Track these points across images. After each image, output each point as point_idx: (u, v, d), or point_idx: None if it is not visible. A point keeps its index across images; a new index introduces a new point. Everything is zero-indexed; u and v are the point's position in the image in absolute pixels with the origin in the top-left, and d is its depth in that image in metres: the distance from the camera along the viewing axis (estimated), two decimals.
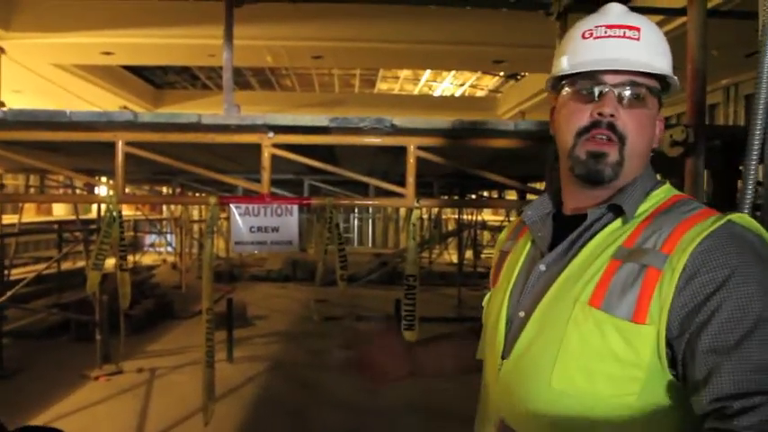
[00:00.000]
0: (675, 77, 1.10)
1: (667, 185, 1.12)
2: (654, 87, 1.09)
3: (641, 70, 1.07)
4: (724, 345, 0.87)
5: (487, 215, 16.51)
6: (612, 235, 1.05)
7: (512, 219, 13.22)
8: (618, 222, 1.06)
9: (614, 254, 1.01)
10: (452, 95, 18.74)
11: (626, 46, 1.08)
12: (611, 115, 1.06)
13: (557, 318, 1.03)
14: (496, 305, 1.21)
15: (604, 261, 1.01)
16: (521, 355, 1.09)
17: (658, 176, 1.15)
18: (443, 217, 18.46)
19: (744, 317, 0.87)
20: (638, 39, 1.08)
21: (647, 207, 1.07)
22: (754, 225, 0.98)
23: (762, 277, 0.89)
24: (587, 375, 0.97)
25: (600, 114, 1.07)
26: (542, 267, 1.12)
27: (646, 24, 1.11)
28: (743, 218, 0.98)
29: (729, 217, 0.97)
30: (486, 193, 11.34)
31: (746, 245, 0.93)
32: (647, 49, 1.09)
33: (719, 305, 0.89)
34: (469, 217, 14.12)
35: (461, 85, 17.79)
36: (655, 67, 1.08)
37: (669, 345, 0.93)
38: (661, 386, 0.94)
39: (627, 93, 1.07)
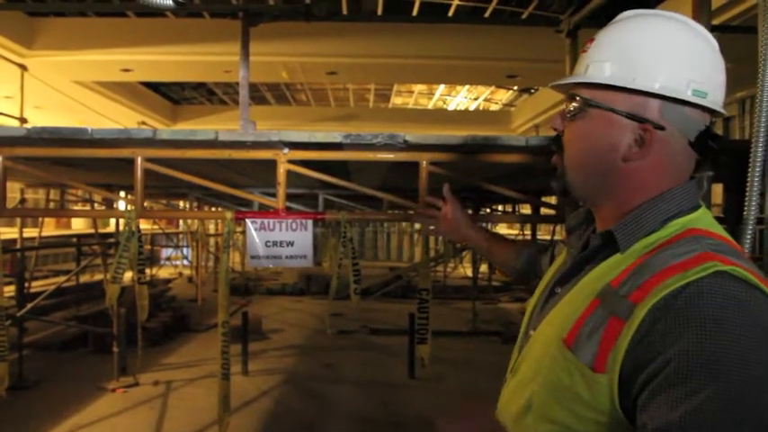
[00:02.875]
0: (619, 80, 1.00)
1: (697, 214, 0.99)
2: (591, 99, 1.03)
3: (560, 83, 1.09)
4: (655, 412, 0.82)
5: (502, 229, 16.46)
6: (611, 268, 0.98)
7: (527, 233, 13.19)
8: (620, 254, 0.99)
9: (599, 292, 0.95)
10: (467, 109, 18.81)
11: (582, 60, 1.08)
12: (556, 129, 1.12)
13: (543, 346, 1.03)
14: (525, 317, 1.21)
15: (589, 298, 0.97)
16: (515, 375, 1.12)
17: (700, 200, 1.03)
18: None
19: (678, 386, 0.80)
20: (586, 51, 1.08)
21: (652, 240, 0.96)
22: (751, 279, 0.84)
23: (715, 347, 0.79)
24: (559, 411, 0.95)
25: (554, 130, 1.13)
26: (557, 289, 1.10)
27: (605, 30, 1.07)
28: (737, 270, 0.84)
29: (718, 268, 0.84)
30: (500, 208, 11.34)
31: (720, 305, 0.81)
32: (591, 58, 1.05)
33: (660, 369, 0.82)
34: None
35: (476, 99, 17.85)
36: (589, 77, 1.04)
37: (621, 398, 0.87)
38: None
39: (569, 107, 1.08)
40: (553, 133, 1.16)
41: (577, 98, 1.06)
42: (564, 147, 1.11)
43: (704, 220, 0.99)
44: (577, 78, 1.06)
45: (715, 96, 1.00)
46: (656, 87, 0.97)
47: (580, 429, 0.93)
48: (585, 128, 1.05)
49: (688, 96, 0.97)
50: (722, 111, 1.02)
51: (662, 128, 0.99)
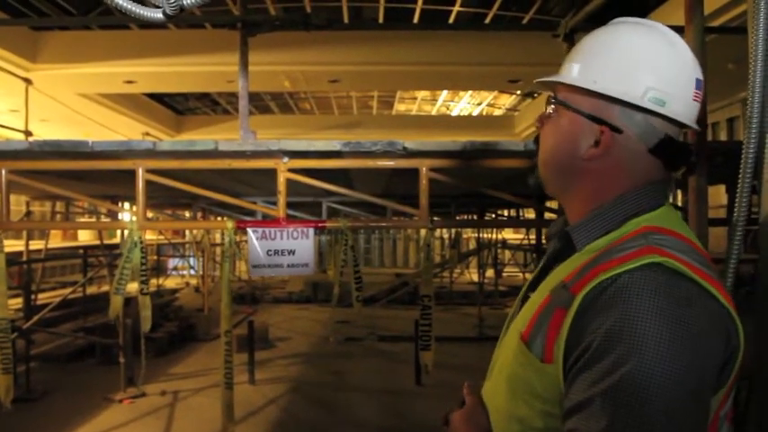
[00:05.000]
0: (578, 80, 1.04)
1: (656, 212, 1.00)
2: (562, 100, 1.08)
3: (537, 81, 1.14)
4: (573, 395, 0.86)
5: (508, 234, 16.42)
6: (568, 266, 1.01)
7: (531, 238, 13.15)
8: (577, 254, 1.01)
9: (553, 288, 0.98)
10: (470, 115, 18.81)
11: (563, 62, 1.12)
12: (538, 127, 1.15)
13: (508, 344, 1.06)
14: (504, 326, 1.22)
15: (545, 293, 0.99)
16: (489, 378, 1.14)
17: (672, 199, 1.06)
18: (464, 236, 18.39)
19: (593, 369, 0.84)
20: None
21: (608, 239, 0.98)
22: (680, 269, 0.87)
23: (632, 332, 0.82)
24: (518, 406, 0.97)
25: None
26: (530, 294, 1.11)
27: (588, 35, 1.10)
28: (668, 261, 0.87)
29: (652, 260, 0.87)
30: (505, 213, 11.34)
31: (644, 293, 0.84)
32: (567, 60, 1.10)
33: (583, 354, 0.86)
34: (489, 236, 14.07)
35: (479, 104, 17.85)
36: (559, 76, 1.08)
37: (567, 386, 0.90)
38: None
39: (547, 107, 1.13)
40: None
41: (552, 98, 1.10)
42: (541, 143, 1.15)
43: (663, 218, 1.00)
44: (549, 78, 1.10)
45: (678, 107, 1.00)
46: (613, 91, 1.00)
47: (539, 426, 0.95)
48: (555, 126, 1.10)
49: (644, 103, 0.98)
50: (686, 122, 1.01)
51: (619, 131, 1.00)
